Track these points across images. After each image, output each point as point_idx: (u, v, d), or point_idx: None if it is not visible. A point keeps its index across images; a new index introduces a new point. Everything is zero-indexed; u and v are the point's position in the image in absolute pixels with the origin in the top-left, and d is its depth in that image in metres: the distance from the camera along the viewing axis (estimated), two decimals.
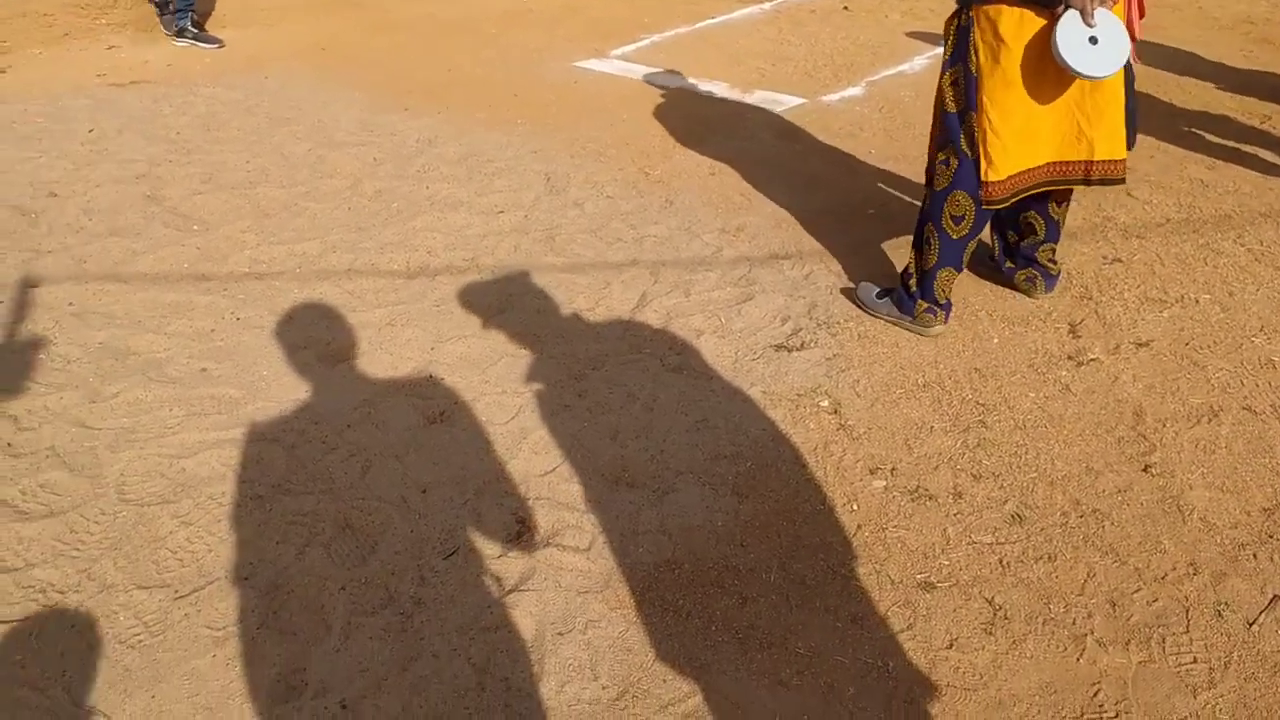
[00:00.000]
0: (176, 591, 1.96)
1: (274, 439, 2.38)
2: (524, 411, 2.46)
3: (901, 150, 3.94)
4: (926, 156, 2.67)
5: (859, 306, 2.86)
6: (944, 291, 2.66)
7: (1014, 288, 2.86)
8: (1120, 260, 3.06)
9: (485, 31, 5.75)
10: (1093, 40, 2.19)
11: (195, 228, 3.45)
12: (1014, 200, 2.48)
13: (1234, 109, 4.24)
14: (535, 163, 3.95)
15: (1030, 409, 2.42)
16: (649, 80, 4.85)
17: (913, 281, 2.70)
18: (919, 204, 2.74)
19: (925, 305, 2.68)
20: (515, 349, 2.72)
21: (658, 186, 3.71)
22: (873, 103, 4.49)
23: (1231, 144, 3.84)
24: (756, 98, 4.61)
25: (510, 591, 1.94)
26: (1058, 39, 2.19)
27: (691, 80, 4.85)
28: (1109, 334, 2.70)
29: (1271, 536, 1.99)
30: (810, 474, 2.23)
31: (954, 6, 2.41)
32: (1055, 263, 2.80)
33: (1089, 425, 2.35)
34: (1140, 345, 2.64)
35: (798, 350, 2.69)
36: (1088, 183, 2.46)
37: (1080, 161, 2.43)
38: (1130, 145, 2.60)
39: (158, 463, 2.31)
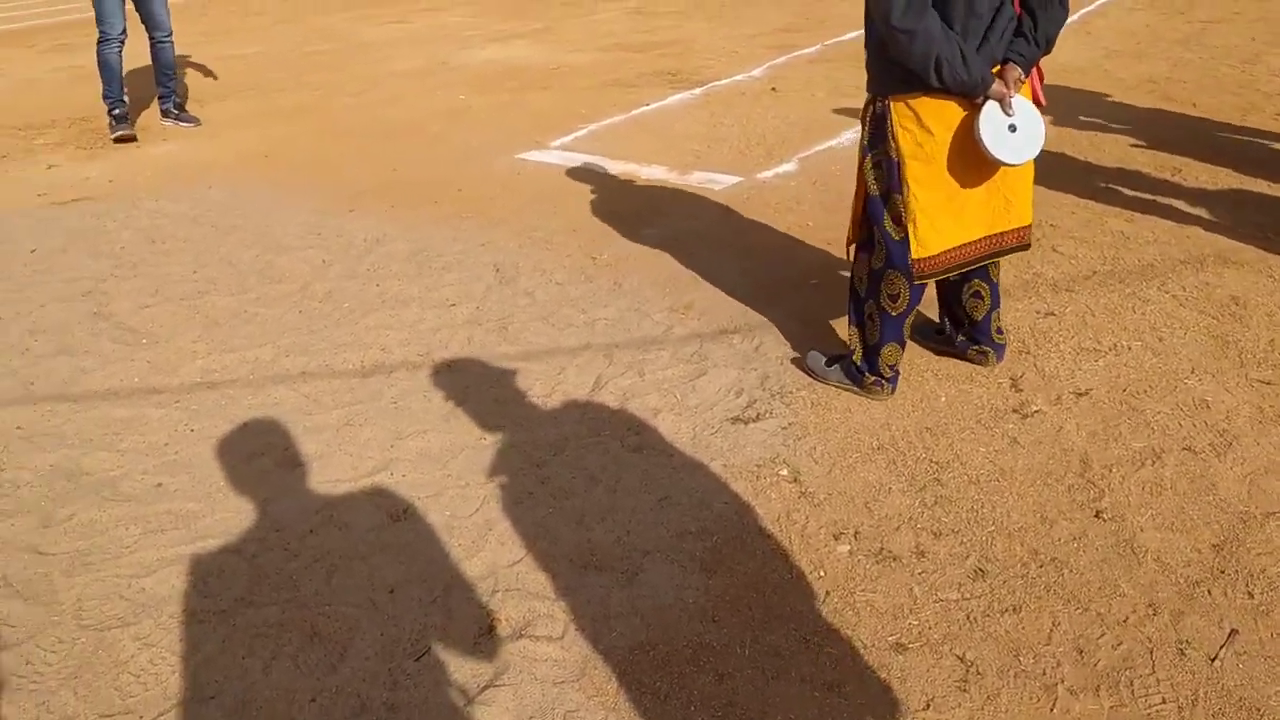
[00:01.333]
0: (141, 717, 1.91)
1: (235, 550, 2.35)
2: (488, 503, 2.47)
3: (838, 222, 4.07)
4: (849, 233, 2.75)
5: (809, 374, 2.92)
6: (889, 366, 2.73)
7: (966, 360, 2.91)
8: (1053, 314, 3.19)
9: (429, 131, 5.88)
10: (1012, 128, 2.30)
11: (144, 341, 3.43)
12: (954, 274, 2.57)
13: (1146, 163, 4.47)
14: (484, 254, 4.02)
15: (982, 464, 2.49)
16: (590, 168, 4.99)
17: (858, 356, 2.76)
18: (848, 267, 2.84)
19: (872, 379, 2.75)
20: (475, 440, 2.74)
21: (605, 270, 3.79)
22: (806, 178, 4.66)
23: (1146, 196, 4.05)
24: (695, 179, 4.76)
25: (485, 688, 1.92)
26: (981, 130, 2.29)
27: (631, 165, 5.00)
28: (1049, 386, 2.80)
29: (1223, 572, 2.05)
30: (776, 544, 2.26)
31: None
32: (1002, 332, 2.89)
33: (1039, 476, 2.42)
34: (1080, 394, 2.74)
35: (754, 422, 2.74)
36: (1001, 253, 2.57)
37: (1013, 230, 2.54)
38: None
39: (116, 584, 2.26)
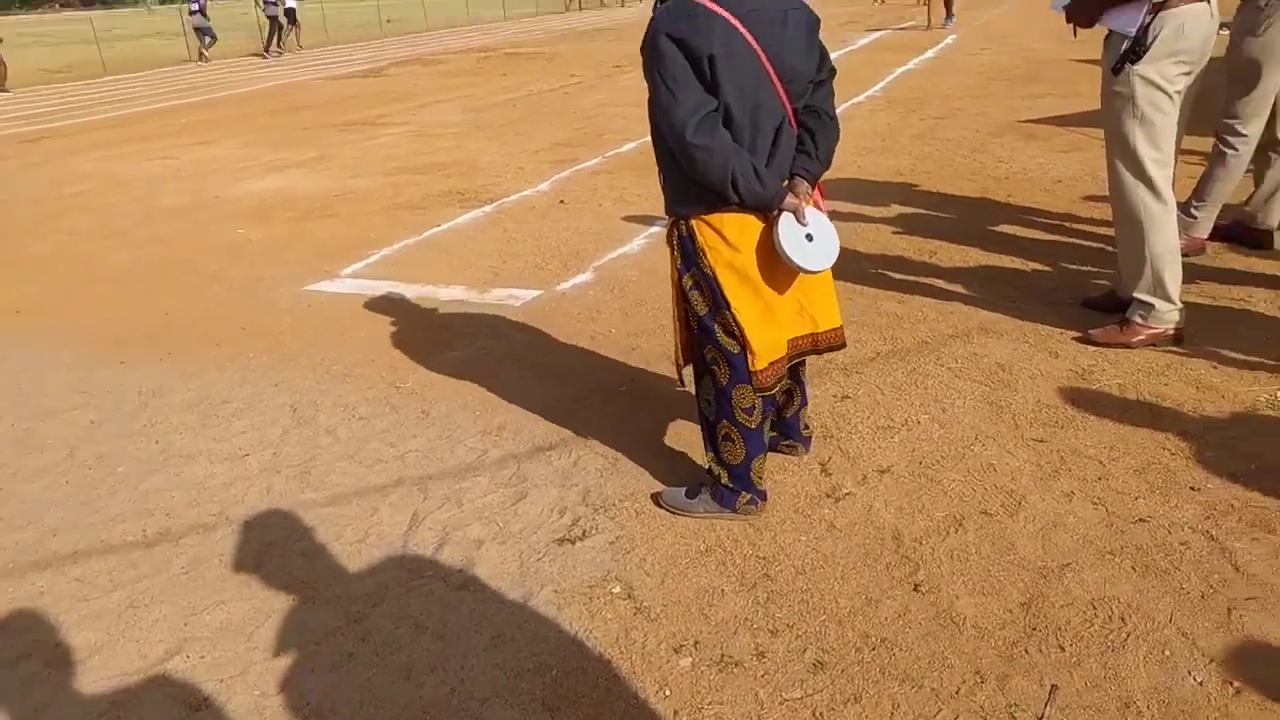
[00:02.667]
0: None
1: None
2: (302, 673, 2.25)
3: (638, 326, 4.18)
4: (675, 355, 2.71)
5: (672, 511, 2.77)
6: (760, 479, 2.68)
7: (777, 452, 2.96)
8: (849, 396, 3.37)
9: (205, 269, 5.57)
10: (809, 237, 2.39)
11: None
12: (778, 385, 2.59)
13: (906, 248, 4.90)
14: (277, 395, 3.80)
15: (805, 552, 2.54)
16: (385, 294, 4.88)
17: (725, 478, 2.68)
18: (678, 387, 2.85)
19: (747, 496, 2.68)
20: (283, 603, 2.51)
21: (411, 399, 3.67)
22: (604, 286, 4.76)
23: (911, 278, 4.42)
24: (494, 296, 4.75)
25: None
26: (781, 240, 2.36)
27: (428, 288, 4.93)
28: (855, 466, 2.93)
29: (1035, 629, 2.18)
30: (617, 668, 2.19)
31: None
32: (808, 426, 2.98)
33: (859, 557, 2.50)
34: (883, 471, 2.88)
35: (580, 540, 2.69)
36: (817, 351, 2.64)
37: (808, 334, 2.60)
38: None
39: None
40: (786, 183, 2.44)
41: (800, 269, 2.40)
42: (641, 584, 2.48)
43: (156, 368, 4.15)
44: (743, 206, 2.37)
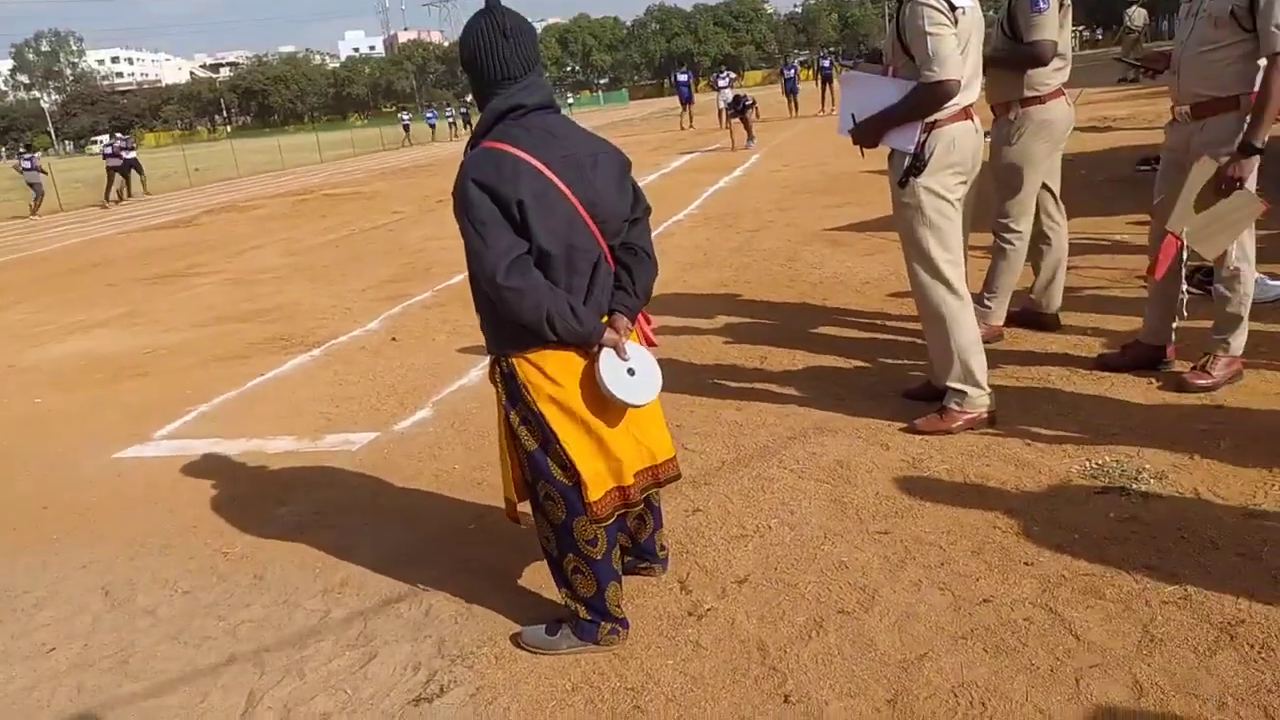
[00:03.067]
0: None
1: None
2: None
3: (482, 459, 4.09)
4: (505, 491, 2.69)
5: (534, 651, 2.67)
6: (617, 606, 2.62)
7: (637, 574, 2.91)
8: (699, 509, 3.39)
9: None
10: (630, 371, 2.42)
11: None
12: (618, 513, 2.54)
13: (738, 357, 5.08)
14: (87, 577, 3.44)
15: (674, 677, 2.48)
16: (205, 454, 4.57)
17: (583, 611, 2.61)
18: (515, 524, 2.76)
19: (609, 626, 2.62)
20: None
21: (242, 564, 3.40)
22: (444, 421, 4.66)
23: (746, 385, 4.57)
24: (328, 442, 4.55)
25: None
26: (602, 376, 2.37)
27: (254, 442, 4.66)
28: (712, 580, 2.92)
29: None
30: None
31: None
32: (665, 548, 2.96)
33: (727, 674, 2.46)
34: (740, 582, 2.89)
35: (438, 697, 2.52)
36: (658, 484, 2.62)
37: (648, 468, 2.56)
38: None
39: None
40: (605, 319, 2.45)
41: (624, 404, 2.41)
42: None
43: None
44: (562, 344, 2.38)
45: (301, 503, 3.87)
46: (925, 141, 3.53)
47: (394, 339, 6.44)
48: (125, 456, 4.69)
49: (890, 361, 4.72)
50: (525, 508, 2.68)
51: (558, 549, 2.58)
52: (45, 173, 22.52)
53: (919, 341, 3.89)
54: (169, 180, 29.42)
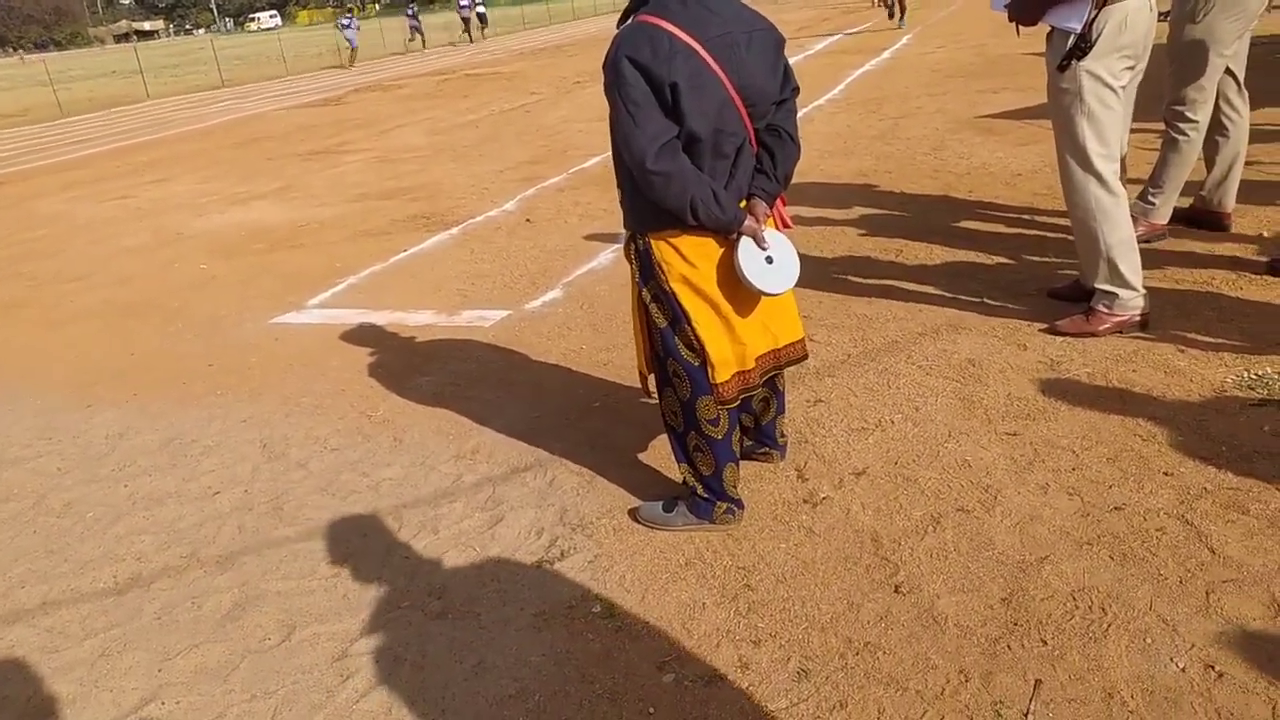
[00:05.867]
0: None
1: None
2: (280, 713, 2.21)
3: (609, 341, 4.16)
4: (639, 365, 2.71)
5: (650, 526, 2.75)
6: (734, 487, 2.65)
7: (752, 459, 2.92)
8: (821, 400, 3.37)
9: (168, 307, 5.50)
10: (769, 260, 2.37)
11: None
12: (740, 398, 2.54)
13: (872, 249, 4.92)
14: (247, 431, 3.75)
15: (785, 560, 2.53)
16: (354, 323, 4.84)
17: (700, 489, 2.65)
18: (649, 402, 2.81)
19: (724, 506, 2.65)
20: (258, 644, 2.47)
21: (383, 427, 3.63)
22: (573, 302, 4.75)
23: (878, 279, 4.44)
24: (464, 318, 4.72)
25: None
26: (740, 264, 2.34)
27: (396, 314, 4.89)
28: (830, 470, 2.92)
29: (1016, 624, 2.17)
30: (601, 689, 2.16)
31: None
32: (784, 435, 2.96)
33: (838, 561, 2.49)
34: (858, 474, 2.88)
35: (559, 561, 2.66)
36: (779, 366, 2.62)
37: (769, 351, 2.56)
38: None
39: None
40: (744, 204, 2.41)
41: (760, 293, 2.39)
42: (622, 602, 2.45)
43: (123, 410, 4.09)
44: (701, 228, 2.35)
45: (439, 373, 4.06)
46: (1094, 20, 3.23)
47: (528, 220, 6.54)
48: (281, 322, 5.01)
49: (1036, 259, 4.48)
50: (654, 382, 2.73)
51: (682, 425, 2.62)
52: (359, 29, 28.56)
53: (1071, 239, 3.66)
54: (320, 59, 30.23)
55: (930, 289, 4.24)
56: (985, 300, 4.03)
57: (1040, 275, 4.24)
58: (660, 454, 3.13)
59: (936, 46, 13.96)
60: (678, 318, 2.46)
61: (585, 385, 3.77)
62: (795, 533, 2.64)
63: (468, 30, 32.09)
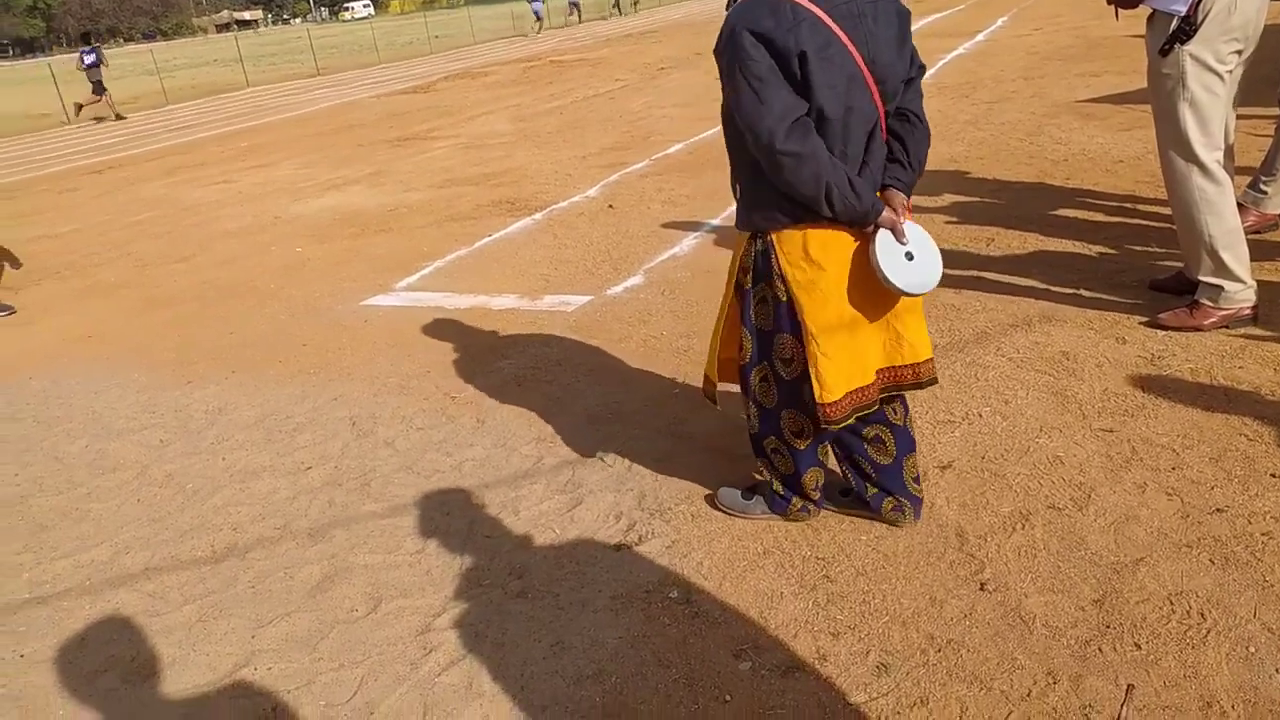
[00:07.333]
0: None
1: None
2: (366, 683, 2.28)
3: (689, 327, 4.15)
4: (708, 370, 2.58)
5: (727, 512, 2.71)
6: (815, 489, 2.53)
7: (881, 519, 2.56)
8: None
9: (264, 289, 5.70)
10: (909, 255, 2.15)
11: None
12: (853, 418, 2.32)
13: (962, 238, 4.79)
14: (337, 409, 3.86)
15: (866, 553, 2.49)
16: (439, 306, 4.93)
17: (778, 486, 2.57)
18: (729, 390, 2.77)
19: (800, 503, 2.57)
20: (345, 616, 2.55)
21: (466, 408, 3.70)
22: (654, 288, 4.75)
23: (967, 270, 4.32)
24: (546, 303, 4.77)
25: None
26: (880, 261, 2.12)
27: (480, 298, 4.97)
28: None
29: (1109, 627, 2.10)
30: (677, 674, 2.17)
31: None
32: (919, 482, 2.56)
33: (921, 556, 2.44)
34: (944, 467, 2.81)
35: (636, 545, 2.67)
36: (918, 386, 2.35)
37: (908, 365, 2.33)
38: None
39: None
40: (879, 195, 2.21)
41: (901, 292, 2.15)
42: (699, 588, 2.45)
43: (221, 386, 4.26)
44: (833, 220, 2.15)
45: (520, 357, 4.12)
46: (1199, 2, 3.06)
47: (611, 206, 6.56)
48: (370, 304, 5.15)
49: (1138, 249, 4.29)
50: (724, 387, 2.65)
51: (760, 428, 2.52)
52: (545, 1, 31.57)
53: (1174, 227, 3.50)
54: (411, 47, 30.82)
55: (1023, 279, 4.11)
56: (1082, 291, 3.89)
57: (1141, 266, 4.07)
58: (740, 441, 3.11)
59: (1033, 29, 13.47)
60: (781, 328, 2.29)
61: (665, 371, 3.77)
62: (876, 525, 2.59)
63: (576, 11, 34.83)
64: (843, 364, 2.25)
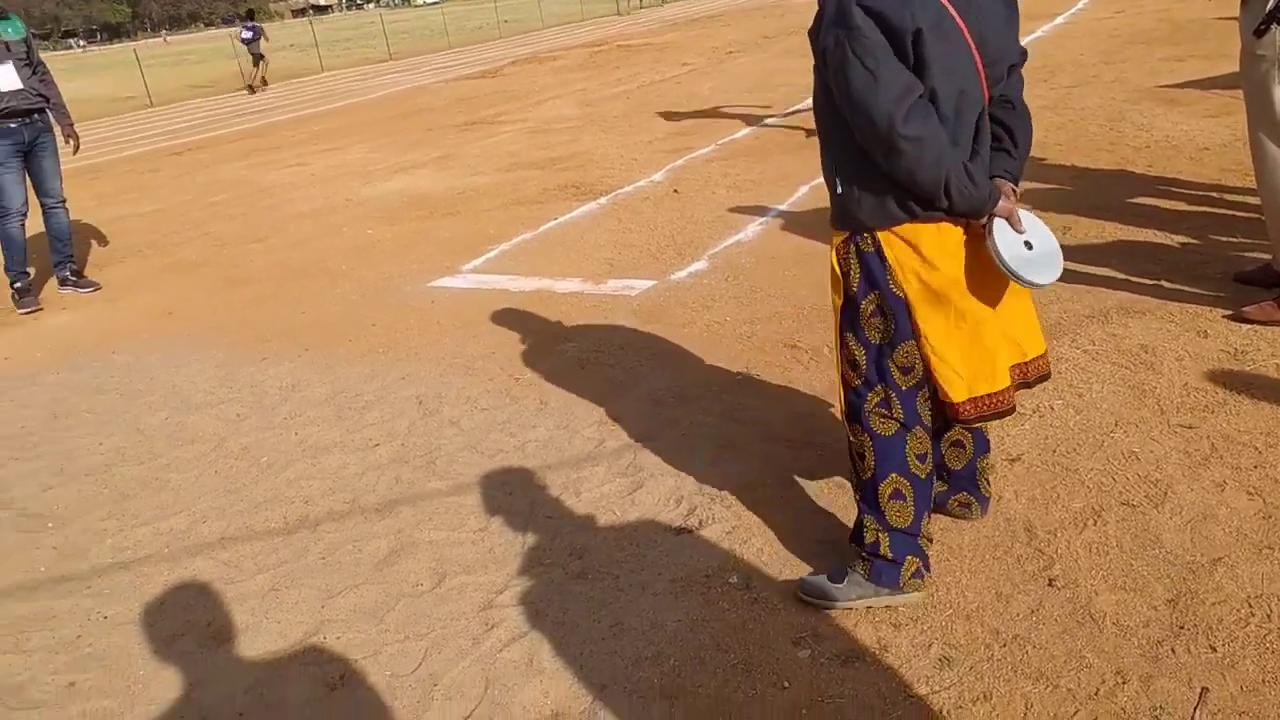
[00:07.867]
0: None
1: None
2: (430, 656, 2.33)
3: (753, 314, 4.13)
4: (841, 384, 2.27)
5: (819, 604, 2.28)
6: (927, 540, 2.26)
7: (946, 513, 2.50)
8: None
9: (336, 269, 5.83)
10: (1028, 245, 2.01)
11: (50, 525, 3.23)
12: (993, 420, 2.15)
13: None
14: (405, 388, 3.94)
15: (930, 544, 2.45)
16: (504, 288, 4.99)
17: (885, 547, 2.20)
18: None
19: (914, 564, 2.22)
20: (411, 589, 2.60)
21: (530, 390, 3.74)
22: (718, 274, 4.73)
23: None
24: (610, 287, 4.79)
25: None
26: (1000, 251, 1.98)
27: (545, 281, 5.01)
28: None
29: (1182, 628, 2.04)
30: (735, 658, 2.17)
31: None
32: (989, 482, 2.50)
33: (988, 549, 2.40)
34: (1013, 460, 2.76)
35: (697, 529, 2.68)
36: (1026, 384, 2.18)
37: (1034, 360, 2.17)
38: None
39: None
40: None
41: (1025, 283, 2.01)
42: (759, 574, 2.45)
43: (294, 364, 4.38)
44: (946, 213, 1.99)
45: (584, 340, 4.14)
46: None
47: (676, 191, 6.54)
48: (437, 286, 5.23)
49: (1223, 239, 4.13)
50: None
51: (878, 468, 2.18)
52: None
53: (1262, 218, 3.36)
54: (481, 31, 31.08)
55: (1101, 269, 3.99)
56: (1163, 283, 3.76)
57: (1226, 258, 3.92)
58: (800, 428, 3.10)
59: (1115, 11, 13.00)
60: (900, 337, 2.09)
61: (728, 358, 3.76)
62: (941, 518, 2.55)
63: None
64: (961, 367, 2.09)
